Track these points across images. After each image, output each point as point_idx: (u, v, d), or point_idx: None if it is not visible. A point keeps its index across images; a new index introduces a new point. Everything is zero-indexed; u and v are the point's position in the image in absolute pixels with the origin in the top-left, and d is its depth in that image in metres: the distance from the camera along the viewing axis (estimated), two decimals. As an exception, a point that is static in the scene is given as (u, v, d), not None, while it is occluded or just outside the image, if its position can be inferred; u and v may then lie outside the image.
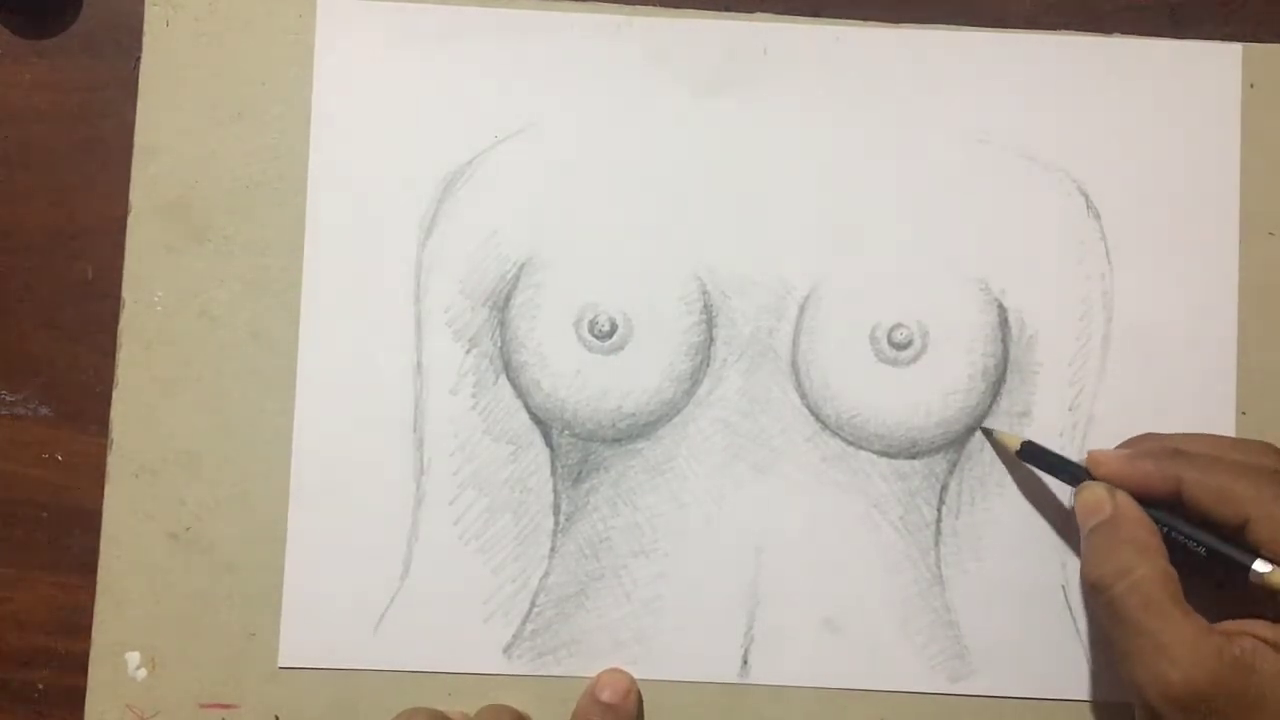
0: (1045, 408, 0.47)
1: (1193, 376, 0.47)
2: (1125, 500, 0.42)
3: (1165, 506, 0.42)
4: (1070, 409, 0.47)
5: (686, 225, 0.47)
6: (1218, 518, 0.40)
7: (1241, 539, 0.40)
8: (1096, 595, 0.41)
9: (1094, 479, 0.43)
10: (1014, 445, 0.45)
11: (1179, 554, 0.41)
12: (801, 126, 0.47)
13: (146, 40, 0.47)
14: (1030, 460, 0.45)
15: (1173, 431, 0.45)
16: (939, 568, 0.46)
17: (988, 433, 0.46)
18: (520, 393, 0.46)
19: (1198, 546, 0.41)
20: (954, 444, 0.46)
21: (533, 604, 0.46)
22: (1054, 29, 0.48)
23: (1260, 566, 0.40)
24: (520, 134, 0.47)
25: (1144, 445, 0.44)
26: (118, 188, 0.47)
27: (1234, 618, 0.41)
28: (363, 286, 0.47)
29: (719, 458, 0.46)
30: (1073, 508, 0.45)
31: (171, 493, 0.46)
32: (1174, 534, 0.41)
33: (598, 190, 0.47)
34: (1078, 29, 0.48)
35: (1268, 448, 0.42)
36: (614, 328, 0.47)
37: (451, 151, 0.47)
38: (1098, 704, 0.46)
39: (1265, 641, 0.38)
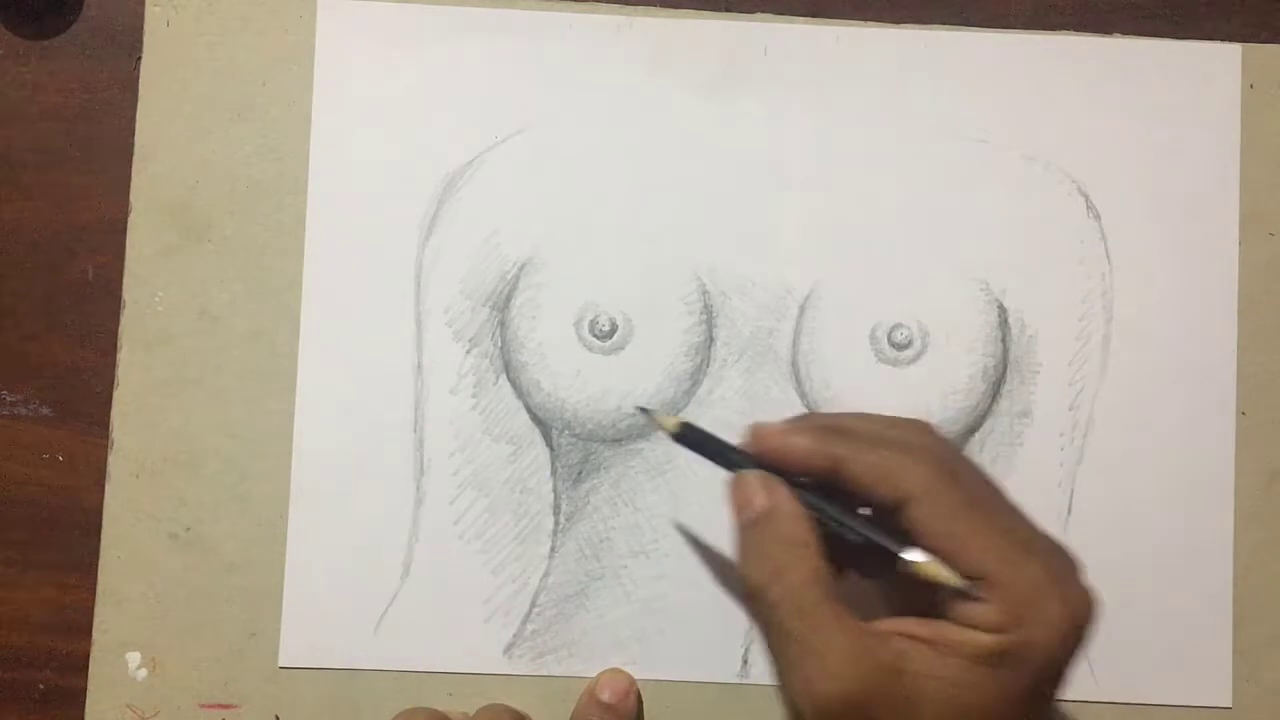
0: (1045, 408, 0.47)
1: (1193, 376, 0.47)
2: (780, 493, 0.38)
3: (824, 487, 0.39)
4: (1070, 409, 0.47)
5: (686, 225, 0.47)
6: (877, 497, 0.37)
7: (899, 519, 0.37)
8: (752, 601, 0.38)
9: (748, 464, 0.39)
10: (671, 427, 0.41)
11: (838, 540, 0.38)
12: (801, 126, 0.47)
13: (147, 40, 0.47)
14: (687, 445, 0.41)
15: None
16: (939, 568, 0.46)
17: (645, 412, 0.44)
18: (520, 393, 0.46)
19: (853, 535, 0.38)
20: (954, 444, 0.47)
21: (533, 604, 0.46)
22: (1054, 29, 0.48)
23: (910, 555, 0.37)
24: (520, 134, 0.47)
25: (805, 422, 0.40)
26: (118, 188, 0.47)
27: (898, 606, 0.38)
28: (363, 286, 0.47)
29: (719, 458, 0.46)
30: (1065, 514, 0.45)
31: (172, 493, 0.46)
32: (830, 523, 0.38)
33: (598, 190, 0.47)
34: (1078, 29, 0.48)
35: (926, 427, 0.40)
36: (614, 328, 0.47)
37: (452, 151, 0.47)
38: (1098, 704, 0.46)
39: (917, 639, 0.36)
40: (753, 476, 0.39)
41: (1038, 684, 0.35)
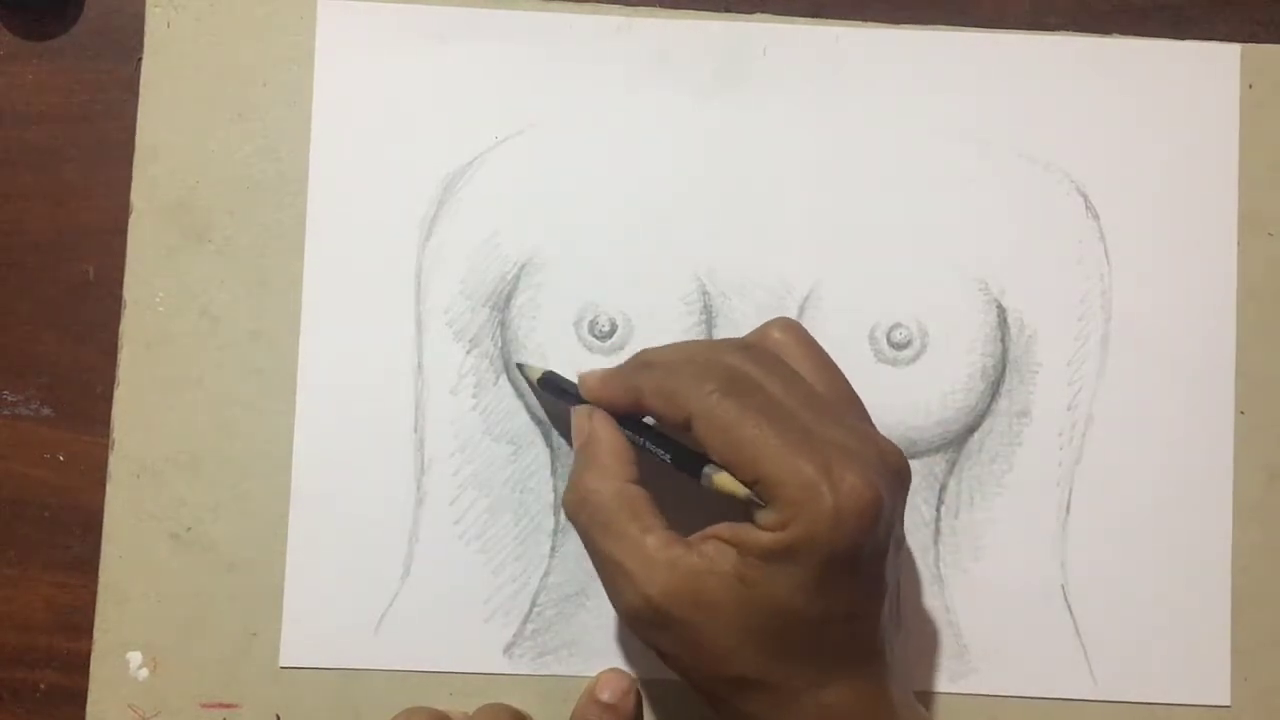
0: (1045, 407, 0.47)
1: (1192, 376, 0.47)
2: (601, 422, 0.41)
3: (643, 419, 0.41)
4: (1070, 408, 0.47)
5: (686, 225, 0.47)
6: (668, 421, 0.39)
7: (692, 440, 0.39)
8: (573, 525, 0.41)
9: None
10: (535, 376, 0.45)
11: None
12: (801, 126, 0.47)
13: (148, 41, 0.47)
14: (550, 391, 0.45)
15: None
16: (938, 567, 0.46)
17: (520, 367, 0.46)
18: (521, 393, 0.46)
19: (664, 456, 0.40)
20: (953, 444, 0.47)
21: (533, 604, 0.46)
22: (1053, 29, 0.48)
23: (709, 470, 0.38)
24: (520, 134, 0.47)
25: (626, 362, 0.43)
26: (119, 188, 0.47)
27: (738, 518, 0.39)
28: (363, 286, 0.47)
29: (719, 457, 0.46)
30: (1065, 506, 0.45)
31: (172, 493, 0.46)
32: (647, 447, 0.41)
33: (598, 190, 0.47)
34: (1077, 29, 0.48)
35: (732, 345, 0.41)
36: (614, 328, 0.47)
37: (452, 152, 0.47)
38: (1098, 704, 0.46)
39: (726, 542, 0.37)
40: (583, 409, 0.42)
41: (824, 573, 0.36)
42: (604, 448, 0.41)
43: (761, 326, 0.42)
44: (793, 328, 0.42)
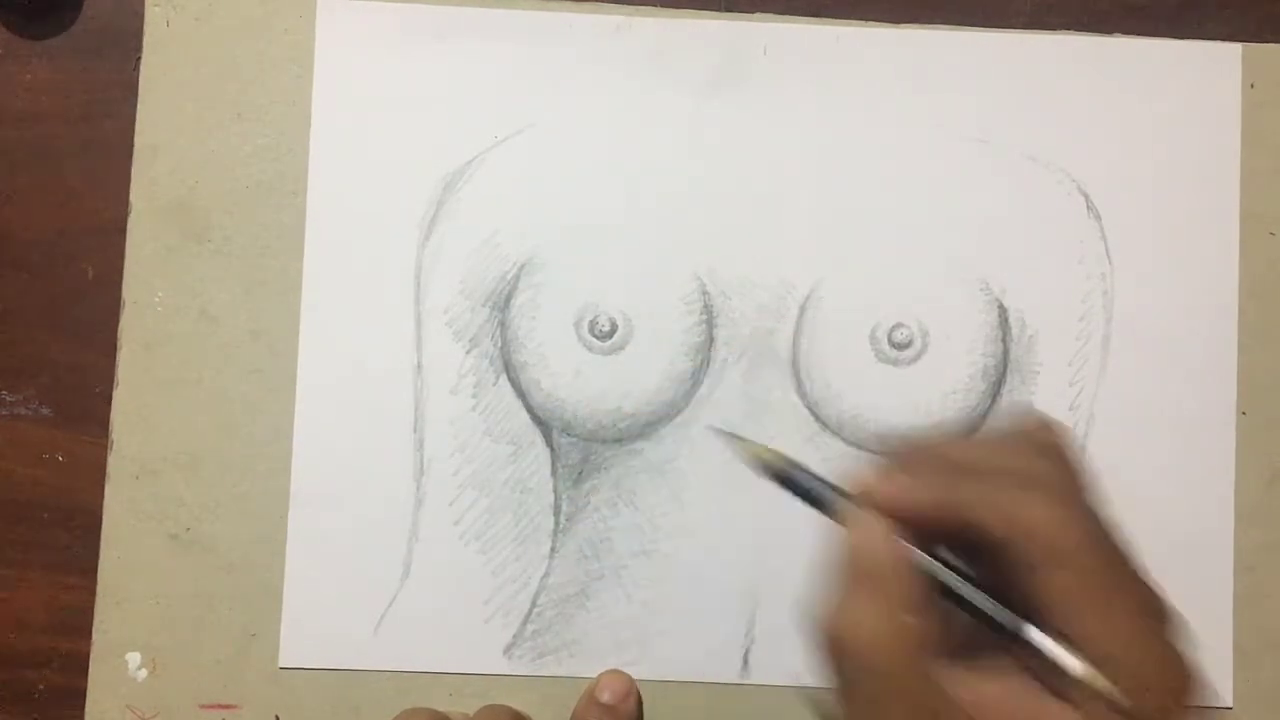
0: (1045, 407, 0.47)
1: (1193, 376, 0.47)
2: (899, 549, 0.32)
3: (945, 534, 0.33)
4: (1071, 409, 0.47)
5: (686, 225, 0.47)
6: (1012, 555, 0.31)
7: (1028, 580, 0.31)
8: (822, 651, 0.32)
9: (843, 503, 0.34)
10: (755, 458, 0.36)
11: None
12: (801, 126, 0.47)
13: (147, 40, 0.47)
14: (772, 477, 0.35)
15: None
16: (939, 568, 0.46)
17: (735, 438, 0.38)
18: (520, 393, 0.46)
19: (968, 606, 0.32)
20: (954, 444, 0.46)
21: (533, 604, 0.46)
22: (1054, 29, 0.48)
23: (1039, 638, 0.31)
24: (520, 134, 0.47)
25: (918, 459, 0.34)
26: (118, 188, 0.47)
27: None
28: (363, 286, 0.47)
29: (719, 458, 0.46)
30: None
31: (172, 493, 0.46)
32: (952, 586, 0.33)
33: (598, 190, 0.47)
34: (1078, 29, 0.48)
35: (1049, 448, 0.34)
36: (614, 328, 0.47)
37: (451, 151, 0.47)
38: (1098, 704, 0.46)
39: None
40: (878, 527, 0.33)
41: None
42: (902, 582, 0.32)
43: (1026, 427, 0.35)
44: (1062, 435, 0.34)
